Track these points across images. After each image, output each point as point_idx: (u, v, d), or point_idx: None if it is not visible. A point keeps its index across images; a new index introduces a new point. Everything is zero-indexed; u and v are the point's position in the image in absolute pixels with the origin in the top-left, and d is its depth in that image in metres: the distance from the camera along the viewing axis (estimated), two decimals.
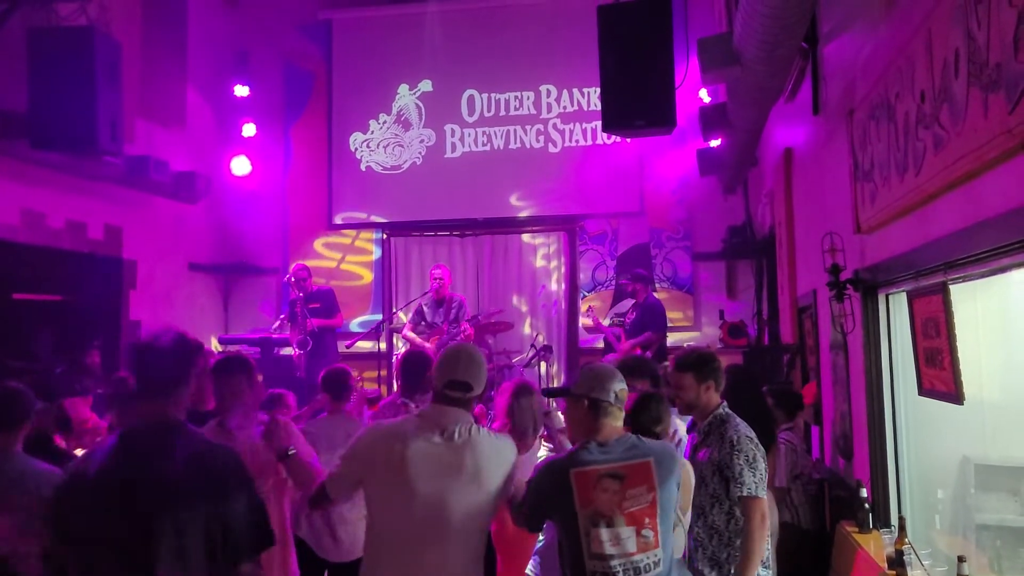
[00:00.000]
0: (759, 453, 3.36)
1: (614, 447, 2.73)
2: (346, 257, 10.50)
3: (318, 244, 10.51)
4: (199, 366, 2.68)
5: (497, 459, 2.80)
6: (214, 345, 9.35)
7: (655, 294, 9.14)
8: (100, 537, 2.35)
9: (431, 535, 2.70)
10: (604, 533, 2.61)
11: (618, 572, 2.61)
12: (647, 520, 2.65)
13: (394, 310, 9.87)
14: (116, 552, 2.33)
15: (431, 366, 4.84)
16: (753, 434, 3.43)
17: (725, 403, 3.53)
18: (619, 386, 2.81)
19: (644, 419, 3.20)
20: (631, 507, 2.64)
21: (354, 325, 9.94)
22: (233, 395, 3.60)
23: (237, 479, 2.46)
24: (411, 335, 8.29)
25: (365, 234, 10.52)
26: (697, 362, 3.55)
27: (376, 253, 10.49)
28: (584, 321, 9.37)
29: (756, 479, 3.30)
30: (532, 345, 9.09)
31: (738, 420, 3.46)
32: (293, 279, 8.62)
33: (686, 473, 3.14)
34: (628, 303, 8.98)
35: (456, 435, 2.75)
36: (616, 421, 2.81)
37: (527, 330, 9.92)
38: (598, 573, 2.62)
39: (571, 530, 2.66)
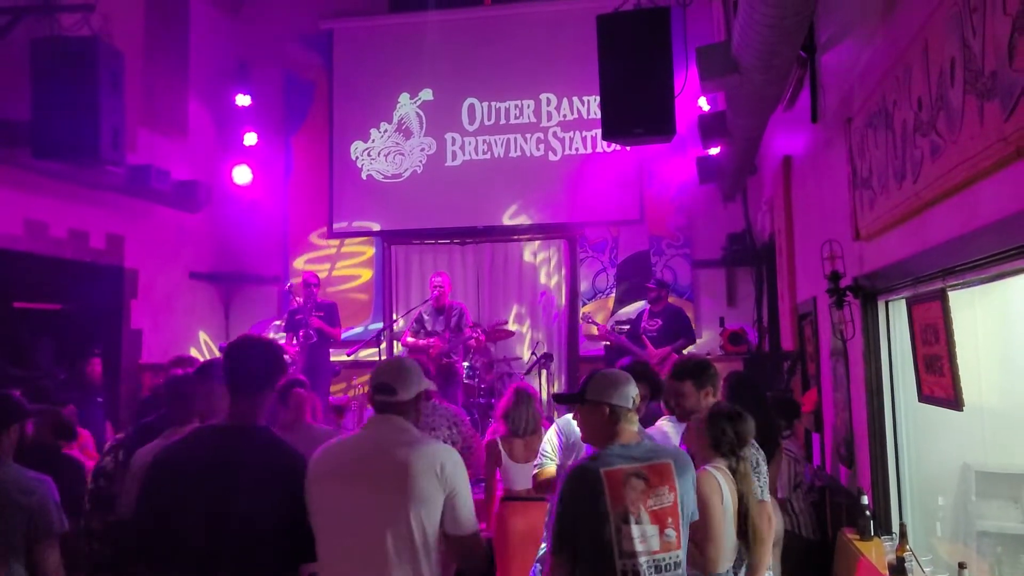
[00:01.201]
0: (760, 456, 3.39)
1: (635, 449, 2.79)
2: (337, 264, 10.51)
3: (300, 263, 10.47)
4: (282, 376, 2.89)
5: (422, 461, 2.63)
6: (216, 354, 9.35)
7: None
8: (173, 528, 2.53)
9: (373, 552, 2.58)
10: (634, 530, 2.65)
11: (643, 570, 2.65)
12: (670, 520, 2.71)
13: (395, 318, 9.89)
14: (186, 545, 2.51)
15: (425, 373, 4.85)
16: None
17: None
18: (635, 392, 2.89)
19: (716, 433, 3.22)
20: (655, 506, 2.70)
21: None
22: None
23: (297, 491, 2.57)
24: (411, 340, 8.32)
25: (351, 240, 10.55)
26: (695, 369, 3.59)
27: (369, 252, 10.47)
28: (589, 329, 9.31)
29: (760, 483, 3.33)
30: (533, 353, 9.11)
31: None
32: (302, 283, 8.72)
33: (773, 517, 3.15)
34: (634, 311, 9.00)
35: (382, 440, 2.69)
36: (633, 425, 2.87)
37: (528, 338, 9.93)
38: (628, 572, 2.65)
39: (600, 531, 2.67)
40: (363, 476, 2.63)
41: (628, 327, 8.87)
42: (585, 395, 2.90)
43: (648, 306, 8.64)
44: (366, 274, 10.48)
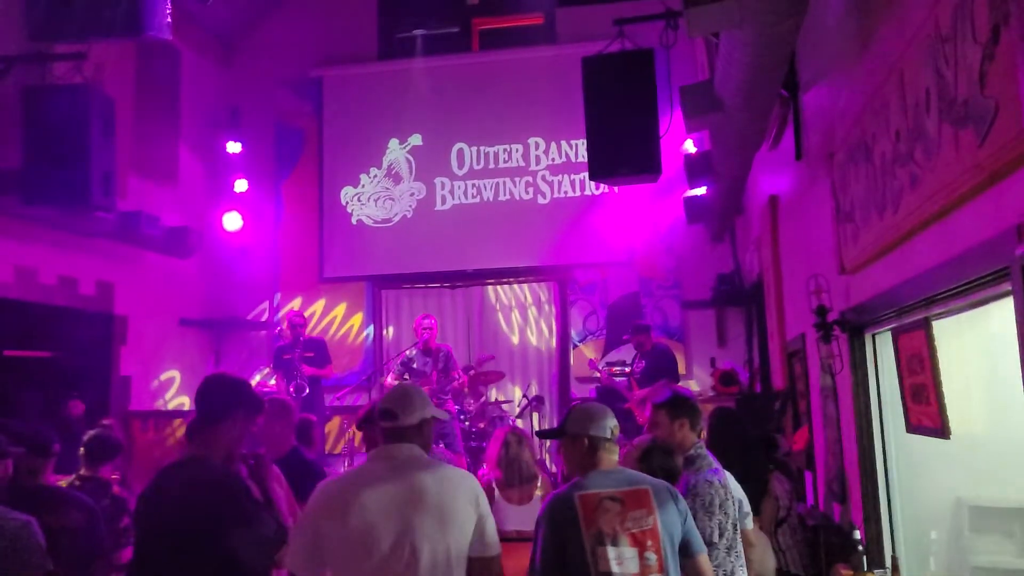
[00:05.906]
0: (741, 495, 3.39)
1: (613, 475, 2.85)
2: (326, 308, 10.49)
3: (290, 309, 10.36)
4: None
5: (456, 487, 2.66)
6: None
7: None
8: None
9: None
10: (610, 552, 2.67)
11: None
12: (650, 543, 2.71)
13: (386, 361, 9.86)
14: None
15: None
16: (718, 478, 3.41)
17: (700, 443, 3.56)
18: (613, 423, 2.94)
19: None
20: (633, 528, 2.71)
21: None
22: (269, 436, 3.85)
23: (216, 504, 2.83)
24: (391, 382, 8.29)
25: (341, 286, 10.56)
26: (672, 400, 3.61)
27: (360, 298, 10.47)
28: (593, 374, 9.22)
29: (743, 512, 3.36)
30: (524, 395, 9.07)
31: (710, 460, 3.48)
32: (287, 324, 8.69)
33: None
34: (628, 352, 8.95)
35: (406, 467, 2.66)
36: (613, 455, 2.91)
37: (519, 381, 9.90)
38: None
39: (579, 554, 2.69)
40: (392, 501, 2.59)
41: (618, 368, 8.84)
42: (565, 429, 2.98)
43: (636, 352, 8.62)
44: (356, 319, 10.47)
